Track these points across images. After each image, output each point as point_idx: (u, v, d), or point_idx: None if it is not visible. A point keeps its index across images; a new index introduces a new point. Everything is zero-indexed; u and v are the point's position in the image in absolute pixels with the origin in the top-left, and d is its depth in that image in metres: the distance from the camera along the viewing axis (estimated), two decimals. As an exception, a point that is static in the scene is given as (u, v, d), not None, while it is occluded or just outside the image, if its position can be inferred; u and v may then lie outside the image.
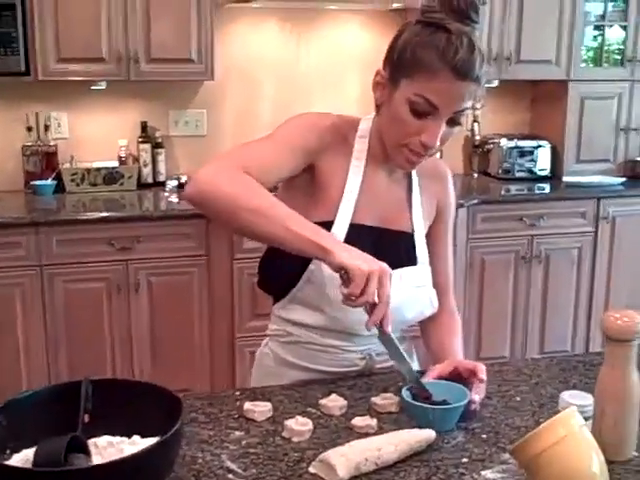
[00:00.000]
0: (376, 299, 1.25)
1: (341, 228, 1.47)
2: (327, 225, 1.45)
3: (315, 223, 1.36)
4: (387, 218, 1.55)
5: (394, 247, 1.53)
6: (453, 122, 1.40)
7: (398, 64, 1.40)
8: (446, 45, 1.33)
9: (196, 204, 1.34)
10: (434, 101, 1.36)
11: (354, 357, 1.56)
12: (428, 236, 1.61)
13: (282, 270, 1.52)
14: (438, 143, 1.40)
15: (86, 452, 1.06)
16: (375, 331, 1.37)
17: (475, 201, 3.67)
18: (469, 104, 1.39)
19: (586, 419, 1.14)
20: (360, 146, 1.52)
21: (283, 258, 1.41)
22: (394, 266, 1.45)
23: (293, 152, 1.44)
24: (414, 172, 1.56)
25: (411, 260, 1.55)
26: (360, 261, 1.24)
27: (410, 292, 1.53)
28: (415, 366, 1.64)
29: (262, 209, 1.29)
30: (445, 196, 1.64)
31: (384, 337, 1.33)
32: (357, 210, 1.50)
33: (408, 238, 1.56)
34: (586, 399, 1.21)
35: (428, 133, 1.39)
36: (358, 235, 1.48)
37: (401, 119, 1.40)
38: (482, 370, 1.39)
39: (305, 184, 1.50)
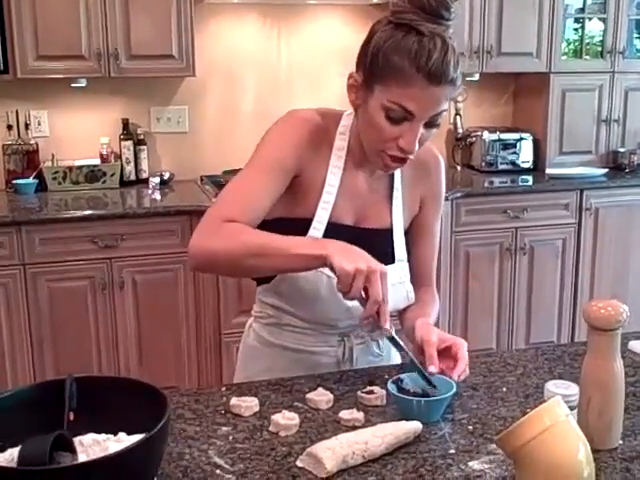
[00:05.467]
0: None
1: (319, 227, 1.49)
2: (306, 222, 1.48)
3: (295, 220, 1.47)
4: (366, 216, 1.55)
5: (371, 246, 1.53)
6: (430, 125, 1.39)
7: (371, 70, 1.36)
8: (418, 49, 1.30)
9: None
10: (410, 108, 1.33)
11: (332, 340, 1.58)
12: (412, 226, 1.62)
13: None
14: (417, 147, 1.39)
15: (72, 450, 1.05)
16: (350, 322, 1.52)
17: (459, 194, 3.67)
18: (446, 106, 1.37)
19: (571, 408, 1.14)
20: (340, 143, 1.51)
21: None
22: None
23: (275, 180, 1.46)
24: None
25: (389, 258, 1.55)
26: (346, 262, 1.26)
27: None
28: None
29: (259, 251, 1.35)
30: (430, 188, 1.62)
31: (383, 333, 1.35)
32: (335, 209, 1.50)
33: (387, 235, 1.56)
34: (571, 388, 1.22)
35: (406, 139, 1.37)
36: (336, 234, 1.49)
37: (377, 125, 1.38)
38: (460, 346, 1.39)
39: (287, 188, 1.51)
